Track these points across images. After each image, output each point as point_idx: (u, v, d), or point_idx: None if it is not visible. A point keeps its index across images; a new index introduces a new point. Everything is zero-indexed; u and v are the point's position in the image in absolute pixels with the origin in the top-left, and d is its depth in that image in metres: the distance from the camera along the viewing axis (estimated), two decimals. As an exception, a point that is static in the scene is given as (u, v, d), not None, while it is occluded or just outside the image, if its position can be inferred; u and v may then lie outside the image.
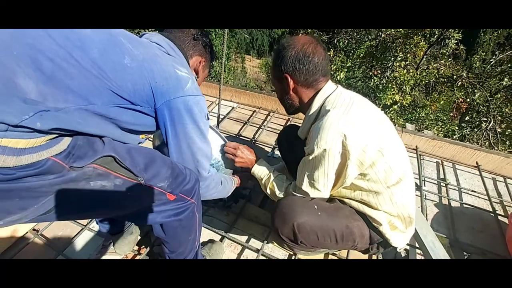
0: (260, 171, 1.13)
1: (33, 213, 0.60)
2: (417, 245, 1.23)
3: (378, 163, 0.86)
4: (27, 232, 1.34)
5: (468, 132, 5.09)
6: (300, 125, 1.10)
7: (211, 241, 1.26)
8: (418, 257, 1.24)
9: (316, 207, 0.95)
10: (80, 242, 1.29)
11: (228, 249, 1.26)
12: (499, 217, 1.43)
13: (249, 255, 1.24)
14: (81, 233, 1.31)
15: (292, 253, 1.24)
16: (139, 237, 1.25)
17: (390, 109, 4.61)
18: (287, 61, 0.92)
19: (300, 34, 5.71)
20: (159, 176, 0.75)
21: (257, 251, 1.22)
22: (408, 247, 1.27)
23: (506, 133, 4.80)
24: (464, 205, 1.51)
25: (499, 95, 4.89)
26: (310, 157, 0.88)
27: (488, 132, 4.86)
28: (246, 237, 1.30)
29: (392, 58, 4.54)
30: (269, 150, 1.83)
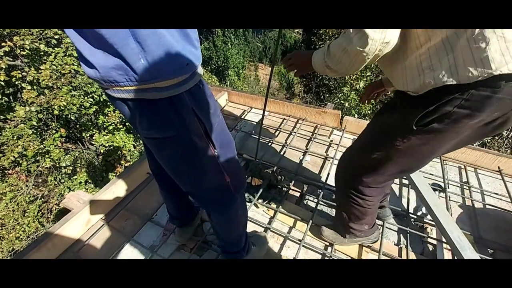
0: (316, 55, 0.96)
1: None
2: (444, 240, 1.36)
3: None
4: (97, 221, 1.56)
5: (489, 140, 5.06)
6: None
7: (256, 232, 1.43)
8: (445, 251, 1.36)
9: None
10: (144, 230, 1.49)
11: (271, 240, 1.43)
12: (521, 218, 1.53)
13: (290, 245, 1.41)
14: (145, 224, 1.52)
15: (328, 243, 1.39)
16: (195, 228, 1.45)
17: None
18: None
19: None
20: (226, 158, 0.89)
21: (299, 241, 1.38)
22: (435, 242, 1.40)
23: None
24: (487, 206, 1.62)
25: (520, 103, 4.87)
26: None
27: (510, 140, 4.82)
28: (287, 229, 1.47)
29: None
30: (301, 154, 2.01)
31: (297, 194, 1.70)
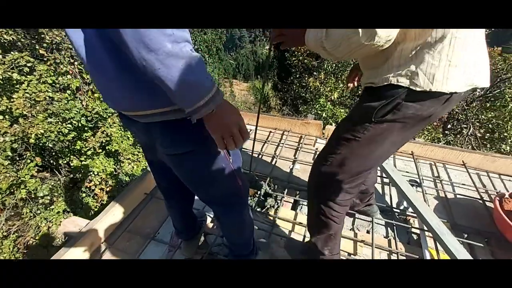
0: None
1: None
2: (425, 228, 1.53)
3: None
4: (100, 245, 1.57)
5: (452, 139, 5.56)
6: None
7: (259, 239, 1.52)
8: (428, 239, 1.53)
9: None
10: (148, 249, 1.52)
11: (274, 244, 1.52)
12: (486, 203, 1.75)
13: (292, 248, 1.50)
14: (149, 243, 1.55)
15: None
16: (200, 241, 1.50)
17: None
18: None
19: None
20: (237, 164, 0.99)
21: (300, 243, 1.48)
22: (419, 231, 1.57)
23: (486, 137, 5.30)
24: (457, 196, 1.83)
25: (475, 104, 5.44)
26: None
27: (470, 138, 5.34)
28: (287, 233, 1.57)
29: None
30: (290, 163, 2.14)
31: (292, 200, 1.82)
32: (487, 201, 1.77)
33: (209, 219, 1.65)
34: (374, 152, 1.03)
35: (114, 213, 1.65)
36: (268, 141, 2.39)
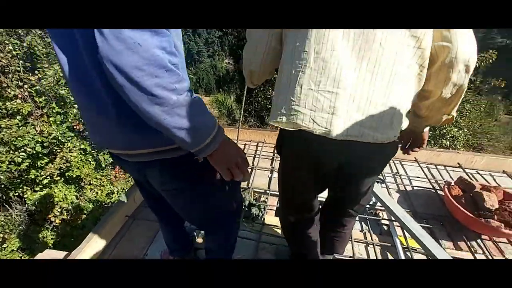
0: None
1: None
2: (393, 219, 1.74)
3: None
4: (85, 276, 1.50)
5: (402, 138, 6.20)
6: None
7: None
8: (397, 228, 1.74)
9: None
10: (140, 272, 1.50)
11: (263, 251, 1.60)
12: (438, 191, 2.05)
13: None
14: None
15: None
16: (192, 256, 1.53)
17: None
18: None
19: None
20: (234, 189, 1.07)
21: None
22: (388, 222, 1.78)
23: (429, 134, 6.02)
24: (415, 188, 2.11)
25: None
26: None
27: (417, 136, 6.01)
28: (274, 239, 1.67)
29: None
30: (268, 173, 2.26)
31: (275, 208, 1.93)
32: (438, 189, 2.07)
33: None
34: (286, 179, 1.09)
35: (97, 241, 1.60)
36: (245, 153, 2.49)
